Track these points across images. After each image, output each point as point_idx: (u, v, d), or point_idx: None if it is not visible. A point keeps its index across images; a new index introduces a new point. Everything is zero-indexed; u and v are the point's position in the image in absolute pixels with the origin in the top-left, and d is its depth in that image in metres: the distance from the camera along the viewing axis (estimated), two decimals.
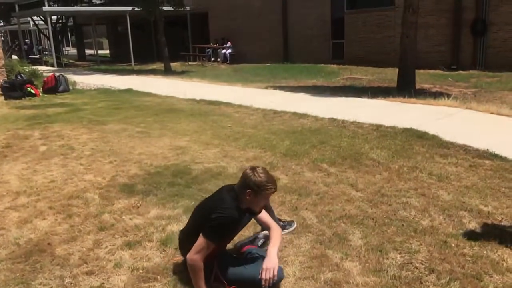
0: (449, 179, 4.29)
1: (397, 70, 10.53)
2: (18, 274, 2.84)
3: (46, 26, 24.21)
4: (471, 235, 3.16)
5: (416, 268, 2.78)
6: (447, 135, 5.69)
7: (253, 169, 2.57)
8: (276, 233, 2.68)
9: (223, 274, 2.62)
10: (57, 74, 11.87)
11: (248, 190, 2.51)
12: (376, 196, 3.93)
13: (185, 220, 3.52)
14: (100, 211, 3.77)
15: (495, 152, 4.98)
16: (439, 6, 14.48)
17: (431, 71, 13.60)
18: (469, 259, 2.85)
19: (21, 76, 11.12)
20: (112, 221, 3.56)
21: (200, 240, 2.48)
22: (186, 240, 2.69)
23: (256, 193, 2.52)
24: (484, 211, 3.57)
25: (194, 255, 2.47)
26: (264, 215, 2.76)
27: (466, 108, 7.59)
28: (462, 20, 14.17)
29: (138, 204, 3.88)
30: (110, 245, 3.17)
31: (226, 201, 2.55)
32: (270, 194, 2.60)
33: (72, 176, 4.70)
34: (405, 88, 9.57)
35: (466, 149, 5.21)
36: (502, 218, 3.44)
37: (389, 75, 12.75)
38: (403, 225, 3.35)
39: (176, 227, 3.39)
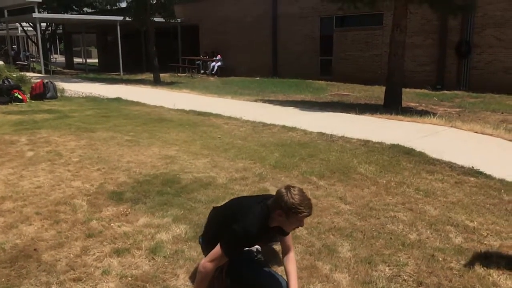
0: (436, 194, 4.36)
1: (384, 88, 10.72)
2: (3, 279, 2.78)
3: (34, 33, 24.06)
4: (457, 250, 3.21)
5: (405, 280, 2.81)
6: (433, 152, 5.80)
7: (288, 188, 2.38)
8: (293, 263, 2.57)
9: (231, 273, 2.56)
10: (46, 80, 11.77)
11: (278, 210, 2.36)
12: (365, 209, 3.97)
13: (174, 228, 3.52)
14: (88, 218, 3.73)
15: (480, 170, 5.08)
16: (425, 27, 14.84)
17: (417, 90, 13.88)
18: (456, 273, 2.90)
19: (8, 81, 11.01)
20: (100, 228, 3.52)
21: (217, 249, 2.39)
22: (208, 240, 2.62)
23: (287, 215, 2.35)
24: (470, 226, 3.63)
25: (207, 263, 2.39)
26: (289, 237, 2.62)
27: (451, 126, 7.75)
28: (448, 41, 14.55)
29: (127, 212, 3.85)
30: (98, 252, 3.14)
31: (252, 213, 2.41)
32: (303, 218, 2.40)
33: (59, 182, 4.64)
34: (392, 106, 9.74)
35: (451, 166, 5.31)
36: (488, 234, 3.50)
37: (376, 93, 12.96)
38: (391, 238, 3.39)
39: (165, 236, 3.38)
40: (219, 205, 3.01)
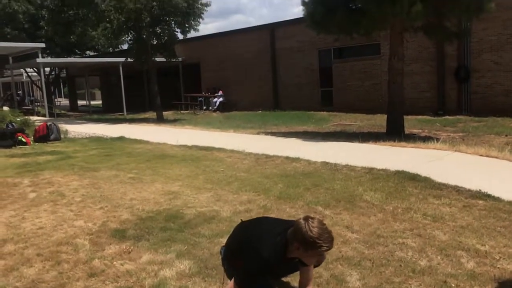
0: (444, 219, 4.27)
1: (385, 116, 10.75)
2: None
3: (39, 78, 24.57)
4: (470, 275, 3.10)
5: None
6: (439, 177, 5.73)
7: (306, 219, 2.26)
8: None
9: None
10: (49, 122, 11.90)
11: (296, 243, 2.23)
12: (372, 237, 3.88)
13: (178, 264, 3.44)
14: (90, 257, 3.65)
15: (488, 192, 4.99)
16: (423, 54, 15.03)
17: (419, 117, 13.89)
18: None
19: (12, 125, 11.13)
20: (102, 267, 3.45)
21: (233, 286, 2.32)
22: (228, 255, 2.55)
23: (305, 249, 2.22)
24: (482, 250, 3.53)
25: None
26: (309, 269, 2.47)
27: (456, 150, 7.69)
28: (446, 67, 14.70)
29: (130, 249, 3.78)
30: None
31: (269, 241, 2.28)
32: (322, 252, 2.27)
33: (61, 222, 4.59)
34: (394, 133, 9.73)
35: (458, 190, 5.22)
36: (500, 257, 3.40)
37: (378, 121, 12.98)
38: (401, 265, 3.29)
39: (169, 272, 3.29)
40: (247, 219, 2.94)
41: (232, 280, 2.34)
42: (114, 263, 3.53)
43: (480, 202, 4.76)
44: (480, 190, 5.09)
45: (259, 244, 2.32)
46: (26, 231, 4.36)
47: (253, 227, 2.57)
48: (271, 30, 19.76)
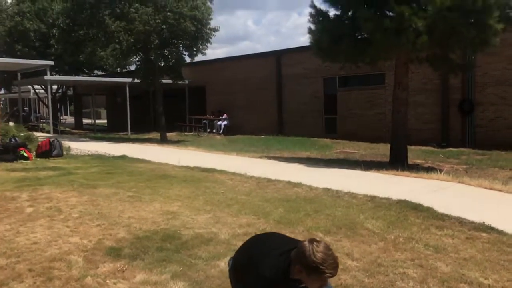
0: (447, 250, 4.17)
1: (389, 146, 10.71)
2: None
3: (46, 95, 24.81)
4: None
5: None
6: (441, 207, 5.63)
7: (311, 242, 2.13)
8: None
9: None
10: (52, 138, 11.92)
11: (298, 266, 2.13)
12: (373, 266, 3.78)
13: (172, 285, 3.35)
14: (83, 274, 3.57)
15: (491, 225, 4.90)
16: (427, 86, 15.11)
17: (423, 148, 13.84)
18: None
19: (15, 140, 11.14)
20: (95, 285, 3.36)
21: None
22: (236, 267, 2.46)
23: (308, 273, 2.11)
24: (485, 284, 3.43)
25: None
26: None
27: (459, 182, 7.61)
28: (450, 99, 14.75)
29: (124, 268, 3.69)
30: None
31: (270, 261, 2.20)
32: (326, 278, 2.13)
33: (57, 238, 4.52)
34: (397, 162, 9.67)
35: (461, 221, 5.13)
36: None
37: (382, 150, 12.93)
38: None
39: None
40: (261, 233, 2.88)
41: None
42: (107, 281, 3.44)
43: (484, 234, 4.66)
44: (483, 222, 5.00)
45: (262, 262, 2.23)
46: (20, 245, 4.29)
47: (262, 242, 2.47)
48: (278, 56, 19.99)
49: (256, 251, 2.36)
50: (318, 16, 10.52)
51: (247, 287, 2.27)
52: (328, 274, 2.08)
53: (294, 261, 2.16)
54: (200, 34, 16.97)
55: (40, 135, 16.50)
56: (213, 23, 17.47)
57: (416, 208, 5.71)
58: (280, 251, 2.27)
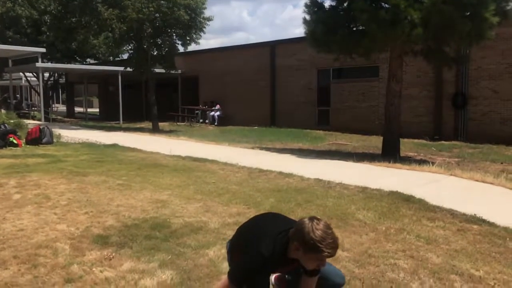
0: (438, 242, 4.15)
1: (381, 138, 10.69)
2: None
3: (37, 83, 24.47)
4: None
5: None
6: (433, 199, 5.62)
7: (311, 219, 2.11)
8: None
9: None
10: (42, 126, 11.76)
11: (296, 243, 2.09)
12: (363, 256, 3.75)
13: (159, 274, 3.29)
14: (69, 262, 3.50)
15: (483, 217, 4.88)
16: (421, 79, 15.10)
17: (415, 140, 13.86)
18: None
19: (4, 126, 10.96)
20: (80, 273, 3.29)
21: (226, 282, 2.21)
22: (231, 251, 2.45)
23: (305, 250, 2.07)
24: (476, 275, 3.41)
25: None
26: (311, 282, 2.27)
27: (451, 175, 7.61)
28: (444, 93, 14.75)
29: (111, 256, 3.62)
30: None
31: (267, 239, 2.14)
32: (323, 257, 2.10)
33: (43, 225, 4.43)
34: (390, 154, 9.66)
35: (453, 213, 5.11)
36: (495, 283, 3.28)
37: (374, 143, 12.92)
38: (392, 287, 3.17)
39: (150, 282, 3.15)
40: (261, 213, 2.87)
41: (224, 281, 2.21)
42: (94, 269, 3.38)
43: (475, 226, 4.65)
44: (475, 214, 4.99)
45: (259, 240, 2.18)
46: (6, 232, 4.21)
47: (260, 222, 2.43)
48: (272, 47, 19.86)
49: (253, 231, 2.31)
50: (313, 6, 10.43)
51: (245, 265, 2.20)
52: (326, 253, 2.04)
53: (292, 238, 2.10)
54: (193, 23, 16.79)
55: (30, 123, 16.30)
56: (207, 13, 17.30)
57: (408, 199, 5.69)
58: (279, 230, 2.22)
